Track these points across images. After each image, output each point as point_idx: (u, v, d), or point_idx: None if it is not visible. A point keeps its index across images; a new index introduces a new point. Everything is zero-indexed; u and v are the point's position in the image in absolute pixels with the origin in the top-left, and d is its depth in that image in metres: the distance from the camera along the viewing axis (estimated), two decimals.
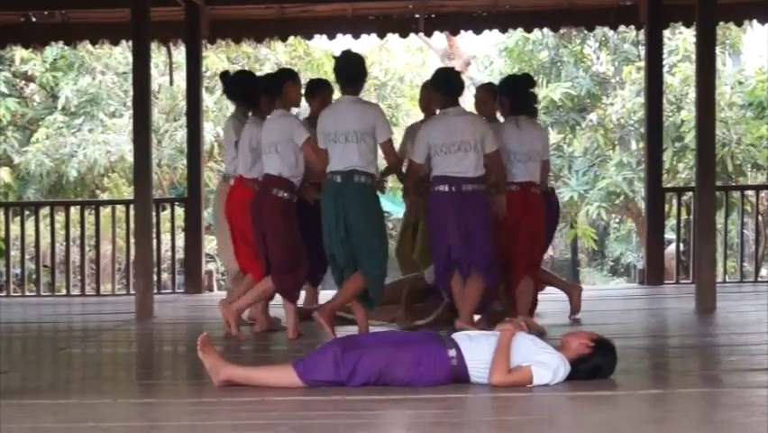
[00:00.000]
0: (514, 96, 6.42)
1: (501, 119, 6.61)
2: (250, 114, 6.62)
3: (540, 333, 5.57)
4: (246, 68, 14.67)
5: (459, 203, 5.91)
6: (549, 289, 7.12)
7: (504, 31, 10.68)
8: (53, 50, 14.26)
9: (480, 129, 5.98)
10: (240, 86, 6.81)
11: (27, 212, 10.32)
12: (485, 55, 16.77)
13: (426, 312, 6.61)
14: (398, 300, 6.66)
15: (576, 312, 6.94)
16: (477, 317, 6.40)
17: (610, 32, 14.22)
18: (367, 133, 5.85)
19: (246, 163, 6.46)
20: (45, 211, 10.69)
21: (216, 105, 14.46)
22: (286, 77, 6.37)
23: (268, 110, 6.37)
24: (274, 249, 6.16)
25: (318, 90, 6.87)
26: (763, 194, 11.99)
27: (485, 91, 6.86)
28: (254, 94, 6.55)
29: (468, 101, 9.45)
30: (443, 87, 6.14)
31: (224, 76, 7.12)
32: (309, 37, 10.57)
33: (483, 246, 5.97)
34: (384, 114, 6.11)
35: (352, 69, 6.04)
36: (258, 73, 8.85)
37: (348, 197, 5.85)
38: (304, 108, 7.26)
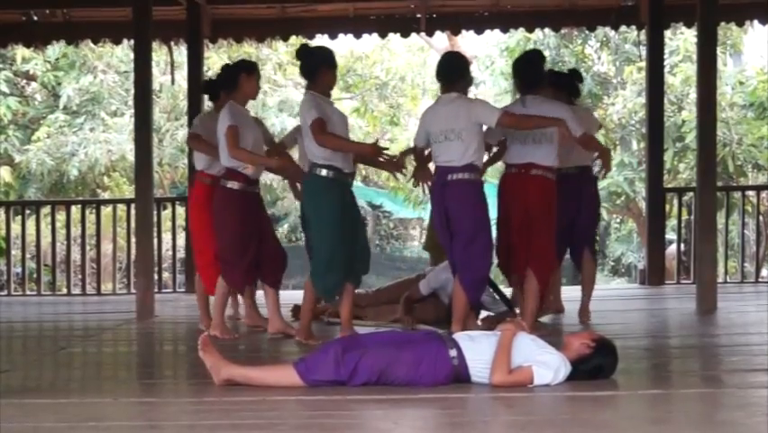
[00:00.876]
0: (518, 75, 6.18)
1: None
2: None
3: (543, 334, 5.55)
4: None
5: (442, 193, 5.77)
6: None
7: (505, 30, 10.65)
8: (55, 49, 14.26)
9: (464, 114, 5.70)
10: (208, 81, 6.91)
11: (28, 211, 10.33)
12: (486, 55, 16.73)
13: (425, 312, 6.61)
14: (398, 301, 6.66)
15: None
16: (484, 314, 6.43)
17: (611, 33, 14.20)
18: (305, 127, 5.81)
19: (198, 157, 6.62)
20: (46, 210, 10.70)
21: None
22: (240, 69, 6.19)
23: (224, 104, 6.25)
24: (218, 240, 6.16)
25: None
26: (763, 194, 11.96)
27: None
28: (214, 88, 6.55)
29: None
30: (442, 72, 5.96)
31: None
32: (311, 37, 10.53)
33: (464, 234, 5.71)
34: (308, 102, 5.77)
35: (304, 65, 5.90)
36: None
37: (304, 187, 5.98)
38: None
